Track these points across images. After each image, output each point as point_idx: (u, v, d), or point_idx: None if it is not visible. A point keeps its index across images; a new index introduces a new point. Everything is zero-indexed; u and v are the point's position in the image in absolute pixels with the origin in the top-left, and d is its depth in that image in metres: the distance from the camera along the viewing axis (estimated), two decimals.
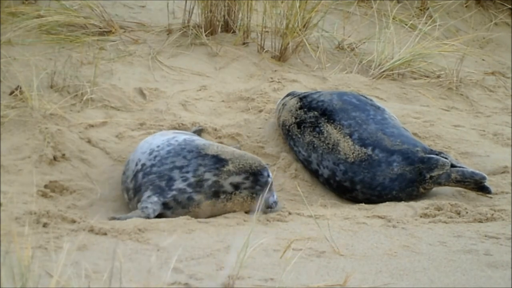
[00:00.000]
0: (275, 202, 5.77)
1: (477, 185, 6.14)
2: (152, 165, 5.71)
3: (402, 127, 6.49)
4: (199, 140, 5.86)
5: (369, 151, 6.23)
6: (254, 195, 5.64)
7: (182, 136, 5.89)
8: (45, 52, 7.34)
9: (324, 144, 6.40)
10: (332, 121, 6.44)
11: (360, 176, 6.22)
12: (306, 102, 6.65)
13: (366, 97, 6.68)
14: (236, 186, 5.61)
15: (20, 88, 6.50)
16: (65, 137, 6.25)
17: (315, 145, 6.44)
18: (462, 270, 4.79)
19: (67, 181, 5.97)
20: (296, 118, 6.62)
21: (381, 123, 6.39)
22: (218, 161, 5.64)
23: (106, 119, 6.70)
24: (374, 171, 6.18)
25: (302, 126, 6.57)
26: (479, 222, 5.73)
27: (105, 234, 5.08)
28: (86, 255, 4.71)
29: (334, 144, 6.35)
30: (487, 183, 6.13)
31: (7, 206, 5.33)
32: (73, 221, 5.27)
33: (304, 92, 6.86)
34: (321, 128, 6.45)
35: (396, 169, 6.16)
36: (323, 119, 6.49)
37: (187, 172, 5.63)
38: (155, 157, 5.74)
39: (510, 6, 9.60)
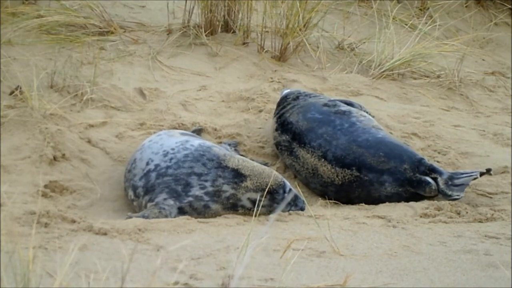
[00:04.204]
0: (302, 209, 5.79)
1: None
2: (168, 167, 5.72)
3: (372, 126, 6.28)
4: (218, 149, 5.86)
5: (355, 172, 6.08)
6: (272, 213, 5.69)
7: (196, 140, 5.90)
8: (45, 52, 7.34)
9: (304, 169, 6.28)
10: (303, 144, 6.29)
11: (355, 194, 6.12)
12: (279, 123, 6.55)
13: (329, 106, 6.47)
14: (254, 202, 5.63)
15: (20, 88, 6.50)
16: (65, 137, 6.25)
17: (296, 169, 6.36)
18: (462, 270, 4.79)
19: (67, 181, 5.97)
20: (274, 139, 6.59)
21: (350, 131, 6.21)
22: (237, 176, 5.67)
23: (106, 119, 6.70)
24: (368, 189, 6.07)
25: (279, 148, 6.53)
26: (479, 222, 5.73)
27: (105, 234, 5.09)
28: (86, 255, 4.71)
29: (313, 169, 6.22)
30: (460, 195, 6.01)
31: (7, 206, 5.33)
32: (73, 221, 5.27)
33: (283, 106, 6.68)
34: (296, 153, 6.32)
35: (390, 189, 6.06)
36: (295, 143, 6.35)
37: (206, 180, 5.66)
38: (170, 159, 5.74)
39: (510, 6, 9.60)
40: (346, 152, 6.14)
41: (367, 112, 6.60)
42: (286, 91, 6.91)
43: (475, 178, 6.04)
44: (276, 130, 6.56)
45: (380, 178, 6.05)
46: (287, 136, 6.42)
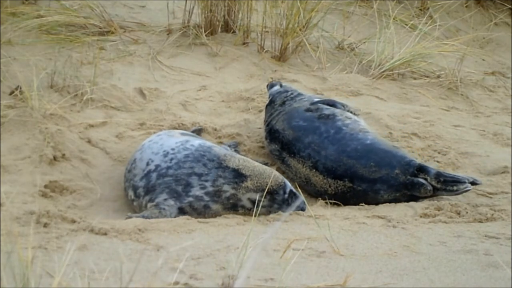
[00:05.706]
0: (302, 209, 5.77)
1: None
2: (168, 167, 5.71)
3: (359, 130, 6.20)
4: (219, 149, 5.85)
5: (347, 183, 6.04)
6: (271, 213, 5.67)
7: (196, 140, 5.90)
8: (45, 52, 7.34)
9: (298, 178, 6.24)
10: (292, 154, 6.26)
11: (352, 202, 6.11)
12: (267, 131, 6.51)
13: (311, 110, 6.37)
14: (254, 203, 5.62)
15: (20, 88, 6.50)
16: (65, 137, 6.25)
17: (290, 177, 6.32)
18: (462, 270, 4.79)
19: (67, 181, 5.97)
20: (266, 147, 6.57)
21: (337, 139, 6.13)
22: (238, 176, 5.65)
23: (106, 119, 6.70)
24: (363, 198, 6.04)
25: (272, 156, 6.50)
26: (479, 222, 5.73)
27: (105, 234, 5.09)
28: (86, 255, 4.71)
29: (306, 179, 6.19)
30: (468, 186, 5.99)
31: (7, 206, 5.33)
32: (73, 221, 5.27)
33: (270, 113, 6.63)
34: (288, 163, 6.29)
35: (387, 196, 6.03)
36: (285, 153, 6.31)
37: (206, 181, 5.65)
38: (171, 159, 5.74)
39: (510, 6, 9.60)
40: (337, 164, 6.08)
41: (351, 112, 6.51)
42: (274, 88, 6.85)
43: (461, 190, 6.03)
44: (266, 138, 6.53)
45: (374, 187, 6.02)
46: (276, 146, 6.39)
